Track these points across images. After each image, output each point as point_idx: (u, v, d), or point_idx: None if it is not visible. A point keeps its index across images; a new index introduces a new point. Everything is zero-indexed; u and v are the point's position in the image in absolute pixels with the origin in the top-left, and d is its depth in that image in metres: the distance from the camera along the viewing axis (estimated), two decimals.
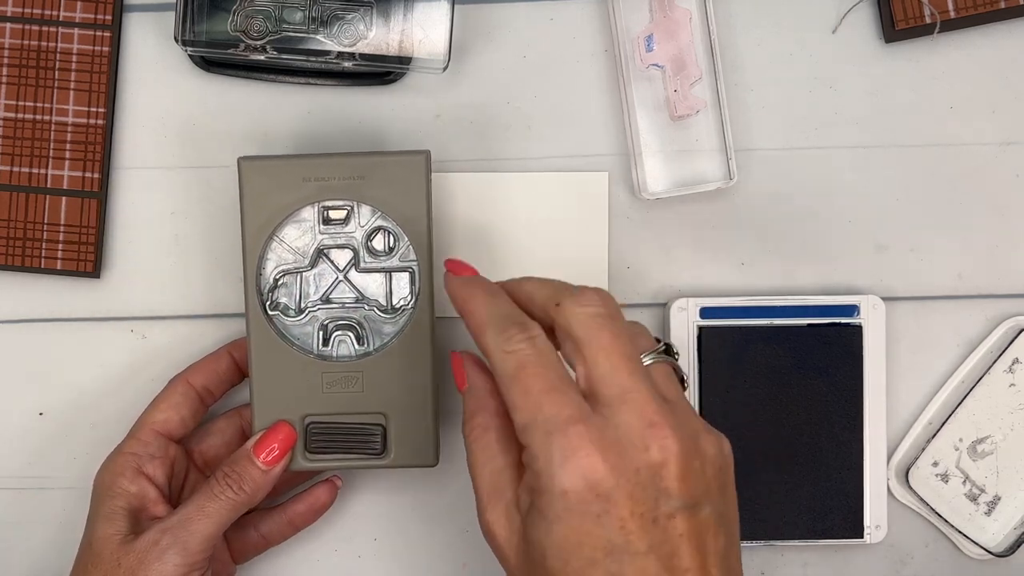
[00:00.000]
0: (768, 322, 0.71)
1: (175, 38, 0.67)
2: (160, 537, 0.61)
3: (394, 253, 0.65)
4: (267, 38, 0.67)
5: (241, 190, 0.64)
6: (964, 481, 0.72)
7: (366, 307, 0.65)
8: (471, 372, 0.58)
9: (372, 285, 0.66)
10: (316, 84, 0.70)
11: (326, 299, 0.65)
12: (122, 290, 0.71)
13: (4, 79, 0.69)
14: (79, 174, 0.69)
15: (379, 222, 0.65)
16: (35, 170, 0.69)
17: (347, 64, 0.68)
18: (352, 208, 0.65)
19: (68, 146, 0.69)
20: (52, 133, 0.69)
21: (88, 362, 0.71)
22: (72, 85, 0.69)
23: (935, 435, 0.72)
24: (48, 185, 0.69)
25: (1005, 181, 0.72)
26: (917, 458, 0.72)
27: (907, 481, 0.71)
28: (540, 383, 0.52)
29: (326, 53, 0.67)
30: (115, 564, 0.61)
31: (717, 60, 0.70)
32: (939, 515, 0.72)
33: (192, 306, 0.71)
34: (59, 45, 0.69)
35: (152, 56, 0.70)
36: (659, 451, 0.51)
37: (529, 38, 0.71)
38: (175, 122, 0.71)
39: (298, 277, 0.65)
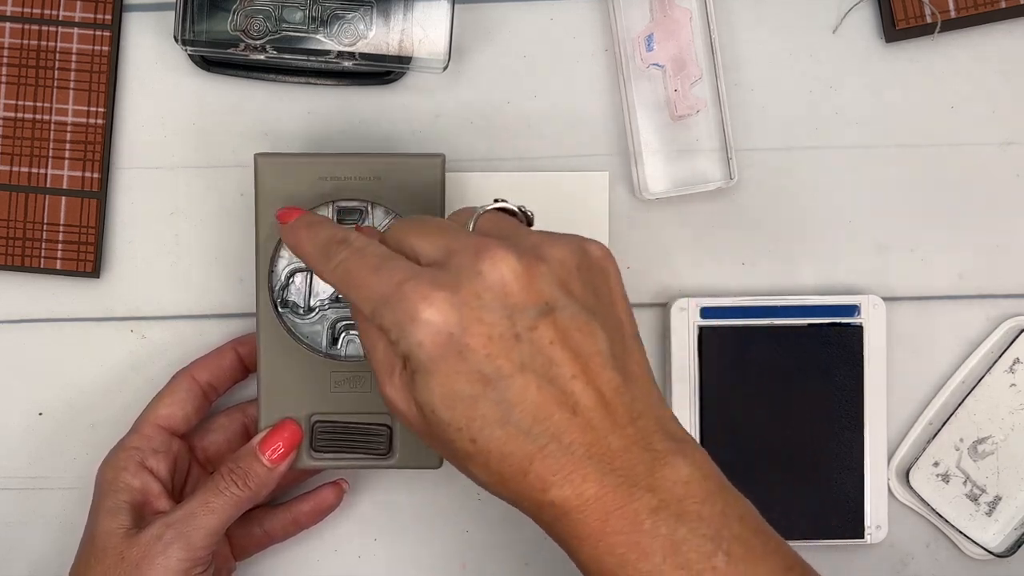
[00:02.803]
0: (768, 322, 0.71)
1: (175, 38, 0.66)
2: (164, 532, 0.61)
3: None
4: (267, 38, 0.67)
5: (256, 186, 0.63)
6: (965, 481, 0.72)
7: None
8: None
9: None
10: (316, 84, 0.70)
11: (336, 298, 0.65)
12: (122, 290, 0.71)
13: (4, 79, 0.69)
14: (79, 174, 0.69)
15: (392, 223, 0.65)
16: (35, 170, 0.69)
17: (347, 64, 0.68)
18: (366, 208, 0.65)
19: (68, 146, 0.69)
20: (52, 133, 0.69)
21: (88, 362, 0.71)
22: (72, 85, 0.69)
23: (936, 435, 0.72)
24: (48, 185, 0.69)
25: (1005, 181, 0.72)
26: (918, 458, 0.72)
27: (908, 481, 0.71)
28: (364, 271, 0.53)
29: (326, 53, 0.67)
30: (118, 558, 0.61)
31: (717, 60, 0.70)
32: (940, 515, 0.72)
33: (192, 306, 0.71)
34: (59, 45, 0.69)
35: (152, 56, 0.70)
36: (493, 270, 0.51)
37: (529, 38, 0.71)
38: (175, 122, 0.71)
39: (308, 276, 0.65)
